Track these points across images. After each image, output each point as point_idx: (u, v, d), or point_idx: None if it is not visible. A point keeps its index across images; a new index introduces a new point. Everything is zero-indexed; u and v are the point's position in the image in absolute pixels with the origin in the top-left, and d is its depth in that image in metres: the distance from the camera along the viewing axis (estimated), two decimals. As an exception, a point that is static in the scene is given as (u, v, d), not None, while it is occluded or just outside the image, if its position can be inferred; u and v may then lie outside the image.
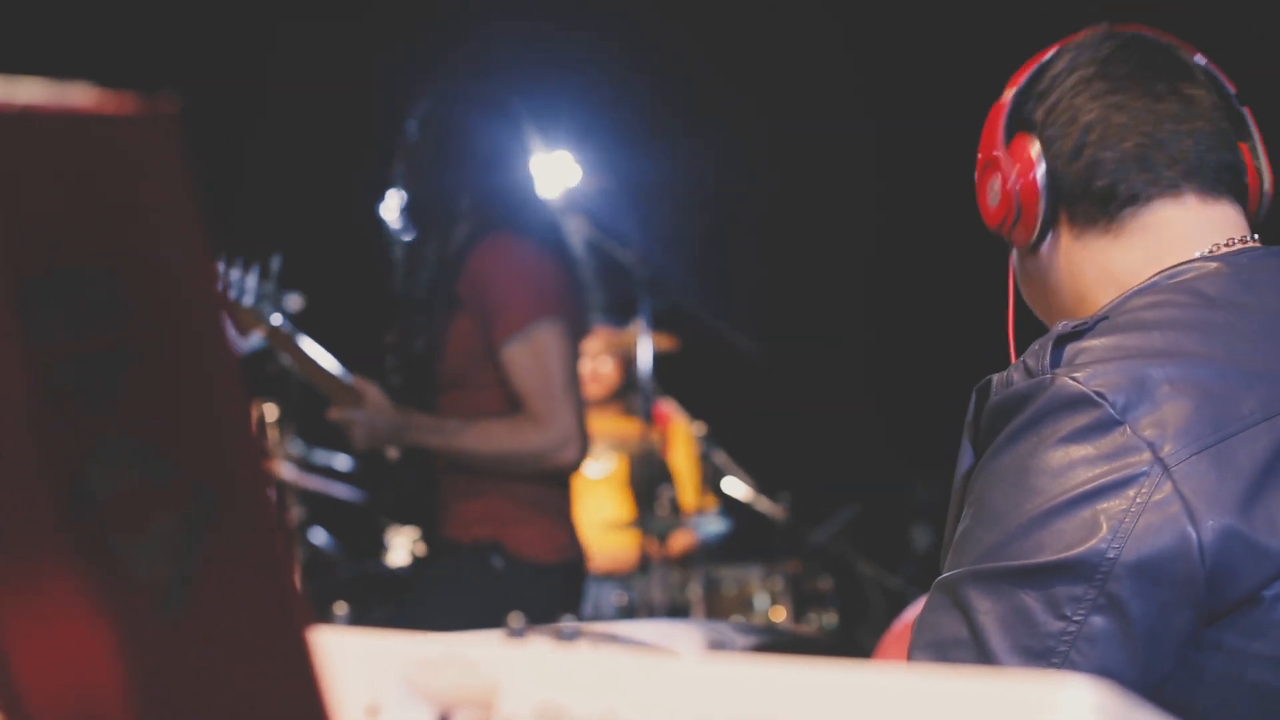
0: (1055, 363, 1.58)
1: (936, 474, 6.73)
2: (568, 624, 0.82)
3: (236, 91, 6.27)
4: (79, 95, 0.60)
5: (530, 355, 3.80)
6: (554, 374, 3.81)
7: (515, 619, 0.81)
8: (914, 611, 3.04)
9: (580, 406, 3.90)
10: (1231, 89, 1.80)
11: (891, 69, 6.78)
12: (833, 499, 6.62)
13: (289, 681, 0.65)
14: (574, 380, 3.89)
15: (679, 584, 6.09)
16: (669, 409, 6.58)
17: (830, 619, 6.17)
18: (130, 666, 0.61)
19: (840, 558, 6.48)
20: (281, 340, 3.68)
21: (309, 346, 3.72)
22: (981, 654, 1.49)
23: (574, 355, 3.92)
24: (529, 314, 3.81)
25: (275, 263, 3.66)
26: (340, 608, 0.95)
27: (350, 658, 0.78)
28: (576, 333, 3.98)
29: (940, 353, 6.55)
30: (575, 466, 3.88)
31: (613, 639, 1.43)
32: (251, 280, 3.60)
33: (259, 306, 3.63)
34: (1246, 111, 1.80)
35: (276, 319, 3.64)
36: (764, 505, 6.35)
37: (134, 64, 5.89)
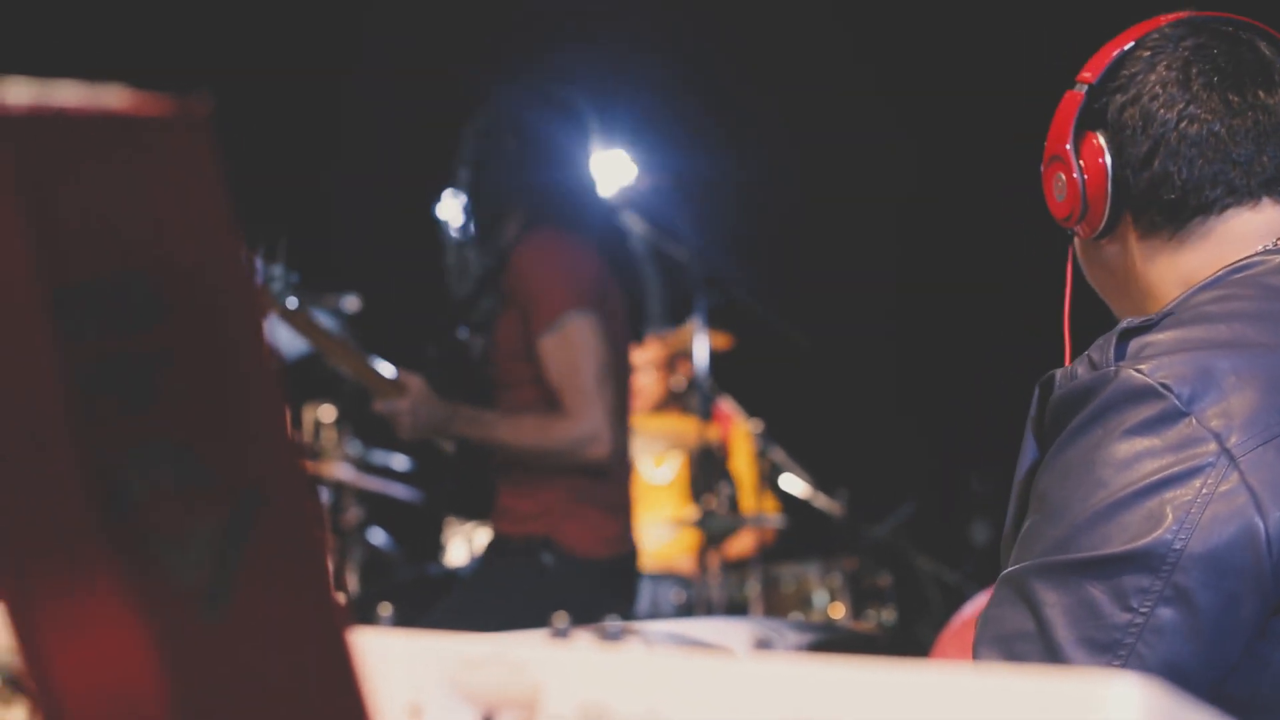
0: (1120, 356, 1.57)
1: (992, 467, 6.70)
2: (612, 623, 0.81)
3: (290, 87, 6.29)
4: (113, 97, 0.60)
5: (562, 347, 3.79)
6: (584, 367, 3.79)
7: (560, 618, 0.80)
8: (973, 607, 3.03)
9: (616, 402, 3.88)
10: None
11: (944, 62, 6.75)
12: (890, 494, 6.59)
13: (329, 685, 0.65)
14: (607, 374, 3.86)
15: (737, 582, 6.08)
16: (729, 410, 6.57)
17: (889, 615, 6.13)
18: (169, 671, 0.61)
19: (898, 553, 6.46)
20: (300, 323, 3.66)
21: (331, 330, 3.72)
22: (1047, 647, 1.49)
23: (611, 349, 3.90)
24: (561, 305, 3.80)
25: (283, 245, 3.65)
26: (385, 608, 0.95)
27: (393, 658, 0.77)
28: (616, 330, 3.97)
29: (995, 345, 6.52)
30: (605, 461, 3.86)
31: (663, 637, 1.43)
32: (259, 263, 3.58)
33: (271, 288, 3.60)
34: None
35: (292, 302, 3.62)
36: (821, 501, 6.33)
37: (174, 56, 5.94)
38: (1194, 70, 1.73)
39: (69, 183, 0.58)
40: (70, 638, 0.60)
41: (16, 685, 0.94)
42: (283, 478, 0.64)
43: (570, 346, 3.80)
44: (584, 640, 0.77)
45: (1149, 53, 1.76)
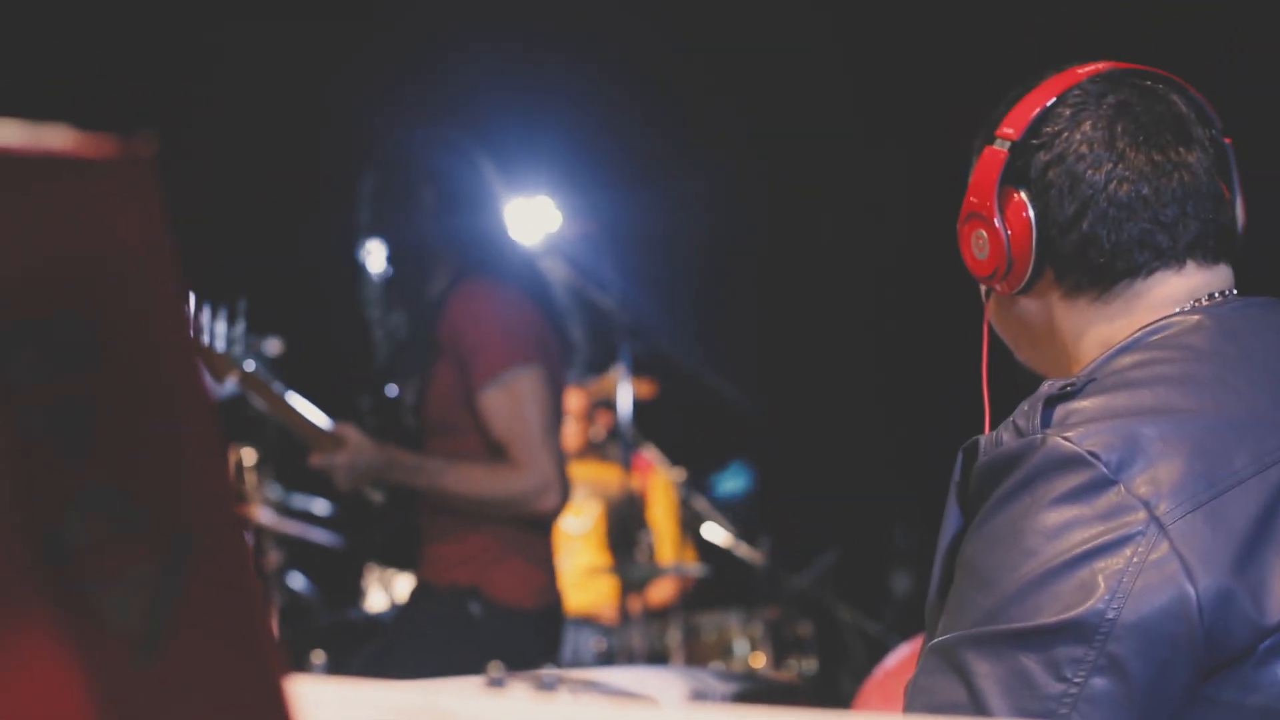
0: (1046, 423, 1.57)
1: (915, 520, 6.74)
2: (548, 672, 0.81)
3: (201, 132, 6.26)
4: (54, 137, 0.59)
5: (508, 402, 3.79)
6: (531, 420, 3.80)
7: (495, 667, 0.80)
8: (895, 659, 3.03)
9: (560, 453, 3.89)
10: (1218, 122, 1.80)
11: (876, 111, 6.80)
12: (812, 544, 6.61)
13: (265, 732, 0.64)
14: (553, 426, 3.88)
15: (658, 630, 6.08)
16: (649, 459, 6.58)
17: (810, 665, 6.15)
18: (104, 716, 0.60)
19: (820, 603, 6.47)
20: (256, 385, 3.66)
21: (283, 392, 3.71)
22: (981, 717, 1.48)
23: (553, 400, 3.91)
24: (505, 360, 3.80)
25: (242, 307, 3.65)
26: (318, 656, 0.94)
27: (327, 707, 0.77)
28: (556, 378, 3.97)
29: (918, 401, 6.56)
30: (556, 513, 3.88)
31: (593, 687, 1.42)
32: (222, 325, 3.59)
33: (231, 351, 3.61)
34: (1229, 145, 1.80)
35: (250, 365, 3.63)
36: (743, 551, 6.34)
37: (98, 105, 5.89)
38: (1119, 128, 1.73)
39: (5, 223, 0.58)
40: (3, 681, 0.59)
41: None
42: (219, 522, 0.63)
43: (516, 400, 3.79)
44: (520, 690, 0.77)
45: (1070, 110, 1.75)
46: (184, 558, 0.61)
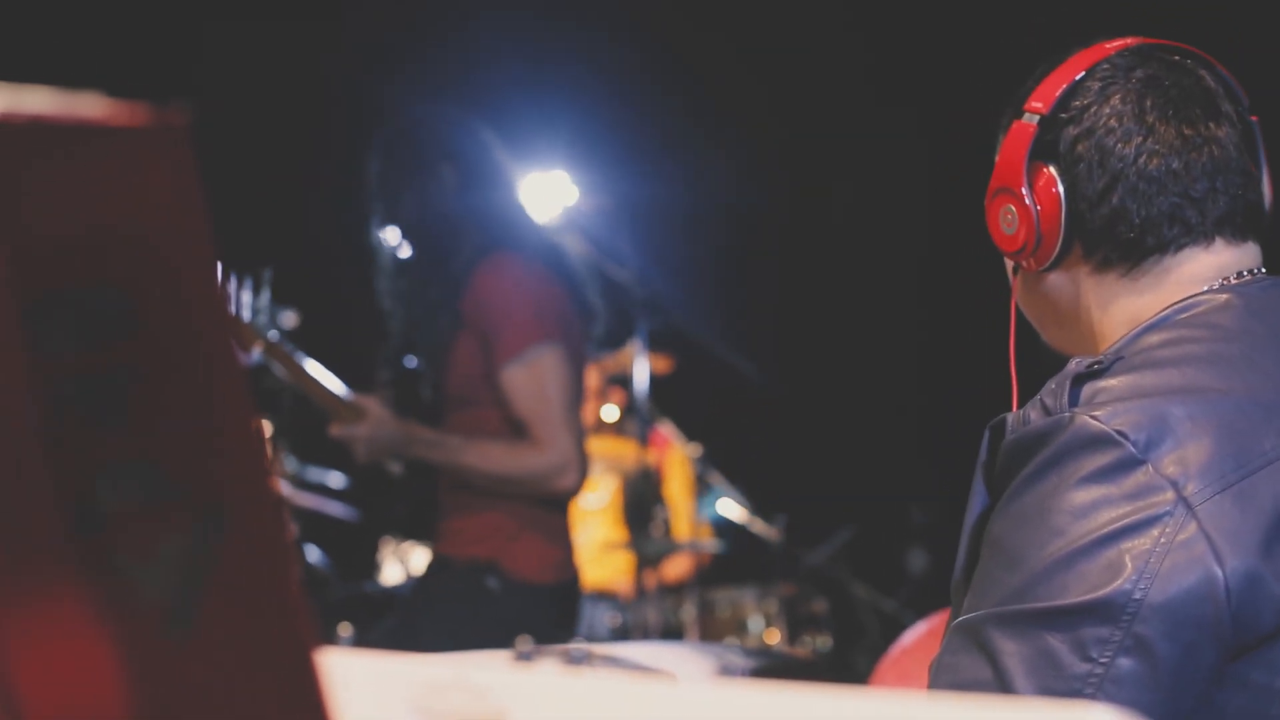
0: (1074, 401, 1.56)
1: (932, 497, 6.73)
2: (577, 647, 0.80)
3: (223, 104, 6.26)
4: (88, 106, 0.59)
5: (529, 379, 3.79)
6: (553, 398, 3.80)
7: (523, 641, 0.80)
8: (912, 636, 3.03)
9: (580, 431, 3.89)
10: (1245, 99, 1.79)
11: (892, 89, 6.78)
12: (828, 521, 6.61)
13: (295, 704, 0.64)
14: (574, 404, 3.89)
15: (673, 605, 6.09)
16: (666, 435, 6.57)
17: (824, 642, 6.14)
18: (135, 688, 0.60)
19: (835, 580, 6.47)
20: (279, 355, 3.67)
21: (306, 362, 3.72)
22: (1006, 696, 1.48)
23: (575, 378, 3.91)
24: (528, 337, 3.80)
25: (267, 276, 3.66)
26: (344, 629, 0.94)
27: (355, 680, 0.77)
28: (579, 355, 3.97)
29: (938, 377, 6.55)
30: (574, 492, 3.88)
31: (617, 663, 1.42)
32: (247, 295, 3.60)
33: (256, 322, 3.62)
34: (1255, 122, 1.79)
35: (274, 335, 3.64)
36: (759, 527, 6.33)
37: (127, 75, 5.89)
38: (1148, 103, 1.72)
39: (41, 192, 0.57)
40: (35, 652, 0.59)
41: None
42: (251, 495, 0.63)
43: (538, 377, 3.79)
44: (548, 664, 0.76)
45: (1100, 84, 1.75)
46: (217, 530, 0.61)
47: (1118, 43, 1.79)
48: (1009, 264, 1.88)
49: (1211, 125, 1.73)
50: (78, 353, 0.58)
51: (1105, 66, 1.76)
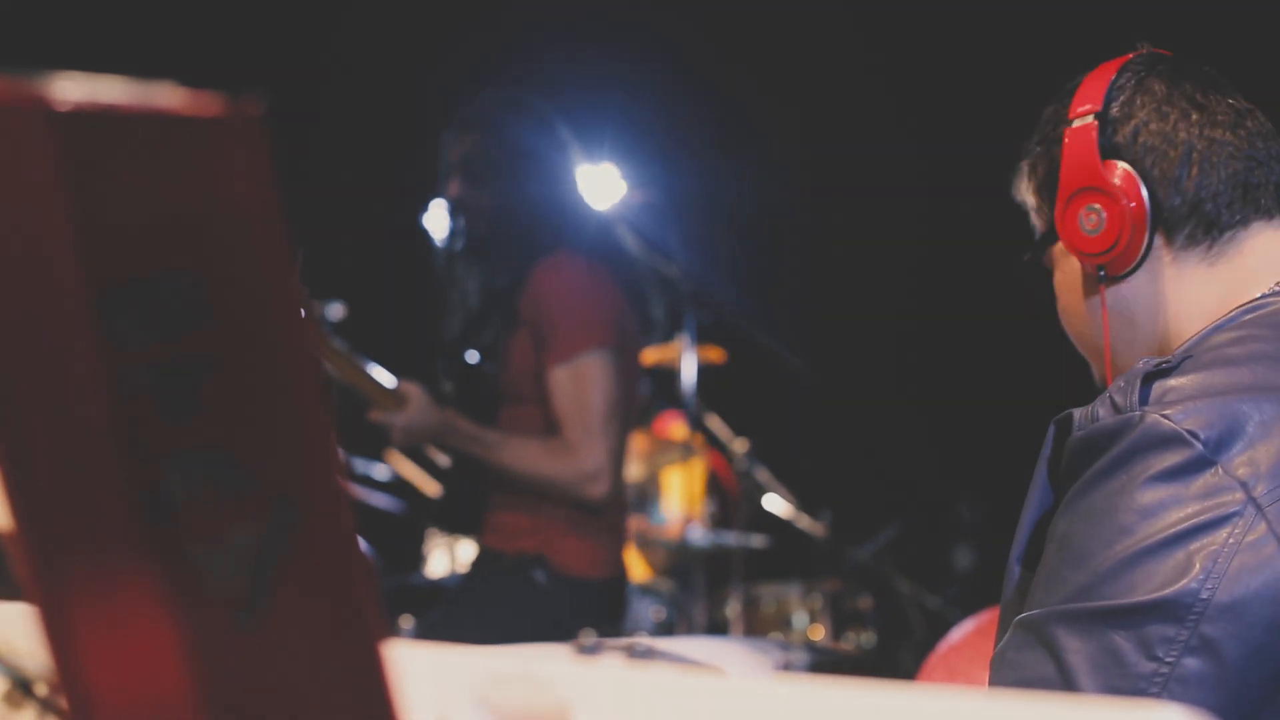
0: (1144, 400, 1.55)
1: (980, 494, 6.70)
2: (639, 640, 0.80)
3: (282, 94, 6.28)
4: (164, 96, 0.59)
5: (573, 384, 3.79)
6: (594, 406, 3.79)
7: (586, 634, 0.79)
8: (959, 633, 3.02)
9: (619, 441, 3.88)
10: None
11: (939, 83, 6.76)
12: (875, 517, 6.59)
13: (362, 697, 0.64)
14: (615, 414, 3.85)
15: (717, 601, 6.08)
16: (671, 418, 6.57)
17: (869, 638, 6.12)
18: (202, 677, 0.60)
19: (881, 577, 6.45)
20: (323, 344, 3.67)
21: (344, 347, 3.72)
22: (1069, 694, 1.47)
23: (623, 387, 3.88)
24: (579, 342, 3.79)
25: (299, 260, 3.66)
26: (406, 620, 0.94)
27: (420, 671, 0.77)
28: (631, 365, 3.96)
29: (987, 373, 6.52)
30: (602, 501, 3.85)
31: (678, 659, 1.42)
32: None
33: None
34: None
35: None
36: (805, 523, 6.32)
37: (184, 63, 5.92)
38: (1187, 86, 1.76)
39: (117, 182, 0.58)
40: (104, 638, 0.59)
41: (25, 688, 0.93)
42: (322, 486, 0.63)
43: (582, 384, 3.79)
44: (612, 658, 0.76)
45: (1135, 79, 1.77)
46: (288, 522, 0.61)
47: (1125, 56, 1.82)
48: (1075, 270, 1.85)
49: (1243, 100, 1.75)
50: (152, 342, 0.58)
51: (1131, 67, 1.79)
